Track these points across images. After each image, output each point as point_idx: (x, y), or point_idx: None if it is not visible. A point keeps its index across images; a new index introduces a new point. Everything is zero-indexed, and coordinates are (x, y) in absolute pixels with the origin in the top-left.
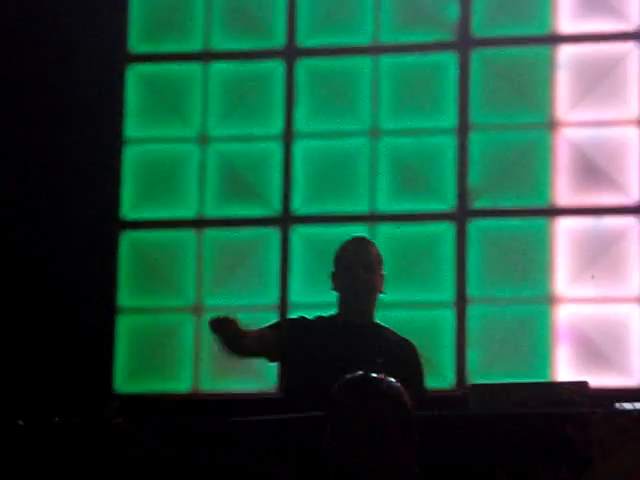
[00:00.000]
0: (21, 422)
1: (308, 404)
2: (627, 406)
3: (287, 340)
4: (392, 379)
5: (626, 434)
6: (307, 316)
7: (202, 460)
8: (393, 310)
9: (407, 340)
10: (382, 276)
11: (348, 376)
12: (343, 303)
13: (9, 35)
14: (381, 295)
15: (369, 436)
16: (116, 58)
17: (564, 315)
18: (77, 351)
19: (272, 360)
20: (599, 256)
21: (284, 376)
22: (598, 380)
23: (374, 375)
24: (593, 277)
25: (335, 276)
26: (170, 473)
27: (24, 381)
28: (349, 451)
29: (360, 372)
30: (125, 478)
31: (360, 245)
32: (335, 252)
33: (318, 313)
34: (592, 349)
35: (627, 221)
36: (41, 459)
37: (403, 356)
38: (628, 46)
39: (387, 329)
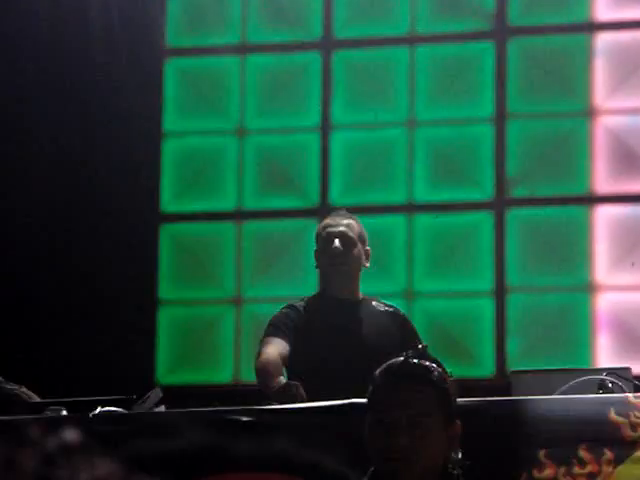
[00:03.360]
0: (65, 412)
1: (312, 386)
2: None
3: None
4: (434, 364)
5: None
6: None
7: (243, 448)
8: (432, 300)
9: (394, 307)
10: (367, 251)
11: (389, 362)
12: (325, 279)
13: (50, 31)
14: (365, 269)
15: (409, 423)
16: (155, 52)
17: (604, 303)
18: (119, 343)
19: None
20: (639, 243)
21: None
22: (639, 368)
23: (415, 361)
24: (633, 264)
25: (316, 253)
26: (211, 461)
27: (68, 373)
28: (390, 438)
29: (401, 357)
30: (165, 467)
31: (338, 220)
32: (316, 229)
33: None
34: (632, 337)
35: None
36: (83, 448)
37: (395, 324)
38: None
39: (371, 299)
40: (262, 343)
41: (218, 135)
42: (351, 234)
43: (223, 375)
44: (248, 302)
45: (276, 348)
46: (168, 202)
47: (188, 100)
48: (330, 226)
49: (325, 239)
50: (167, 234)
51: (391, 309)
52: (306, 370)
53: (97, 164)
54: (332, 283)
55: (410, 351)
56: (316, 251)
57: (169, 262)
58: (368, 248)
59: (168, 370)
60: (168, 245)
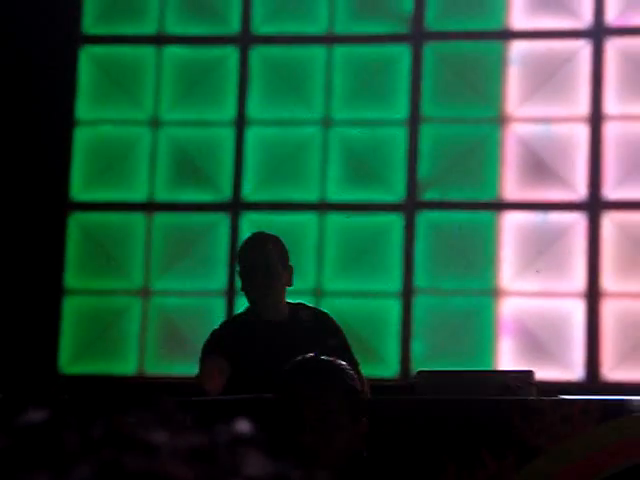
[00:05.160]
0: None
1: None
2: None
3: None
4: (342, 362)
5: (573, 422)
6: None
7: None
8: (340, 299)
9: (320, 311)
10: (290, 268)
11: (298, 359)
12: (251, 304)
13: None
14: (289, 287)
15: (319, 419)
16: (70, 39)
17: (508, 308)
18: (23, 331)
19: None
20: (544, 251)
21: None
22: (540, 373)
23: (324, 357)
24: (538, 271)
25: (240, 278)
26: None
27: None
28: (299, 435)
29: (310, 355)
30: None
31: (256, 246)
32: (237, 250)
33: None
34: (535, 342)
35: (573, 217)
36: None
37: (324, 329)
38: (579, 43)
39: (299, 307)
40: (201, 364)
41: (132, 125)
42: (274, 262)
43: (128, 367)
44: (156, 294)
45: (216, 362)
46: (78, 191)
47: (102, 89)
48: (251, 258)
49: (245, 273)
50: (76, 223)
51: (318, 314)
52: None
53: (8, 149)
54: (259, 308)
55: (318, 348)
56: (239, 275)
57: (77, 251)
58: (291, 265)
59: (71, 360)
60: (76, 234)
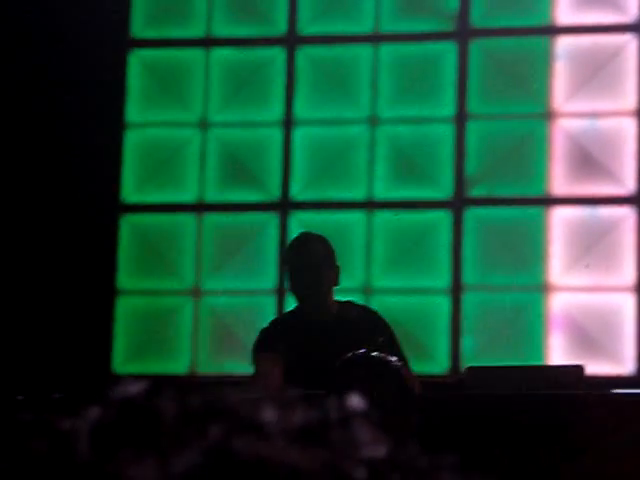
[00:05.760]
0: (20, 397)
1: None
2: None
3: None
4: (392, 358)
5: (622, 417)
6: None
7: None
8: (389, 296)
9: (368, 309)
10: (337, 268)
11: (349, 355)
12: (299, 302)
13: (11, 19)
14: (336, 287)
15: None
16: (119, 43)
17: (558, 303)
18: (77, 332)
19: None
20: (593, 246)
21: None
22: (591, 368)
23: (374, 354)
24: (587, 266)
25: (286, 277)
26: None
27: (25, 363)
28: None
29: (361, 351)
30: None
31: (302, 247)
32: (284, 251)
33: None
34: (585, 337)
35: (622, 211)
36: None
37: (373, 326)
38: (625, 38)
39: (347, 306)
40: (255, 363)
41: (181, 127)
42: (319, 262)
43: (180, 366)
44: (207, 294)
45: (270, 359)
46: (129, 193)
47: (151, 91)
48: (297, 257)
49: (291, 272)
50: (127, 225)
51: (365, 313)
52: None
53: (59, 153)
54: (306, 308)
55: (370, 344)
56: (286, 274)
57: (129, 252)
58: (338, 265)
59: (125, 360)
60: (128, 235)
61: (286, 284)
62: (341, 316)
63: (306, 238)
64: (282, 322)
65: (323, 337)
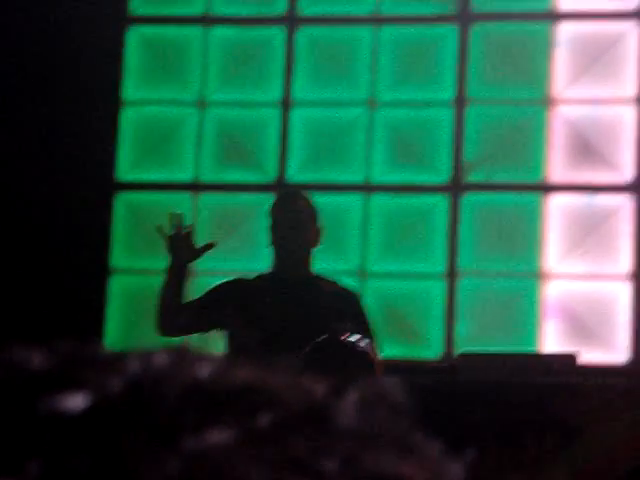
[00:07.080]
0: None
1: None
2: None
3: (224, 304)
4: (360, 341)
5: (615, 405)
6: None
7: None
8: (384, 280)
9: (348, 290)
10: (317, 229)
11: (318, 341)
12: (276, 259)
13: None
14: (315, 248)
15: None
16: (117, 19)
17: (553, 290)
18: (71, 310)
19: (205, 332)
20: (590, 233)
21: (229, 338)
22: (585, 356)
23: (341, 339)
24: (583, 254)
25: (268, 232)
26: None
27: (18, 341)
28: None
29: (326, 336)
30: None
31: (288, 201)
32: (268, 208)
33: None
34: (579, 325)
35: (619, 199)
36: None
37: (344, 307)
38: (627, 25)
39: (326, 281)
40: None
41: (178, 106)
42: (303, 217)
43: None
44: (201, 275)
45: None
46: (124, 171)
47: (149, 69)
48: (281, 210)
49: (274, 224)
50: (122, 203)
51: (344, 292)
52: (246, 350)
53: (55, 130)
54: (281, 262)
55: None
56: (268, 229)
57: (123, 231)
58: (320, 226)
59: (118, 338)
60: (123, 214)
61: (268, 239)
62: (316, 284)
63: (293, 194)
64: (245, 284)
65: (293, 293)
